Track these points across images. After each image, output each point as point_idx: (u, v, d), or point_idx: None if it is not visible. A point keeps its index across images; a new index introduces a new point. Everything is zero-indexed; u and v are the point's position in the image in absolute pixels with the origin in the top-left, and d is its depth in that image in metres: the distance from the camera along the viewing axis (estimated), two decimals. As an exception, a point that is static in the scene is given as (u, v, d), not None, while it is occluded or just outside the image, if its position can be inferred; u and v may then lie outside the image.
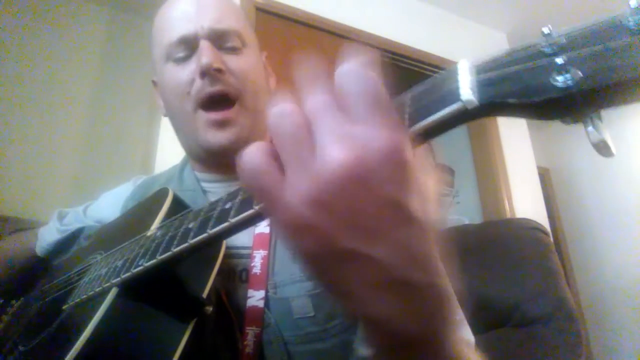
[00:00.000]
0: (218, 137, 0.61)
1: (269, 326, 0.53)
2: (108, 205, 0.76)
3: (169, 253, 0.36)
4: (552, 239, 1.24)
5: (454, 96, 0.24)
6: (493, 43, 2.89)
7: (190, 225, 0.36)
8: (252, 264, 0.56)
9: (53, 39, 2.45)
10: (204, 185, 0.69)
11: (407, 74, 2.55)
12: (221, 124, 0.61)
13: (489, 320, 1.06)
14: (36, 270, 0.77)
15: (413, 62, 2.47)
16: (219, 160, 0.66)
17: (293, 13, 2.15)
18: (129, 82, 2.57)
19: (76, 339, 0.38)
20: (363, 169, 0.23)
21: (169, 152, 1.59)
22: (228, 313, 0.53)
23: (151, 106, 2.34)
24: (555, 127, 3.91)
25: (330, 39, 2.19)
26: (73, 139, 2.38)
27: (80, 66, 2.51)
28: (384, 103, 0.25)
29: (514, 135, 2.64)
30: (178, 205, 0.55)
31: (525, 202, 2.53)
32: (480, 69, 0.25)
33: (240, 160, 0.27)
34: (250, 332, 0.52)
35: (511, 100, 0.23)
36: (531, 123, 2.79)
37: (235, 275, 0.58)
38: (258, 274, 0.56)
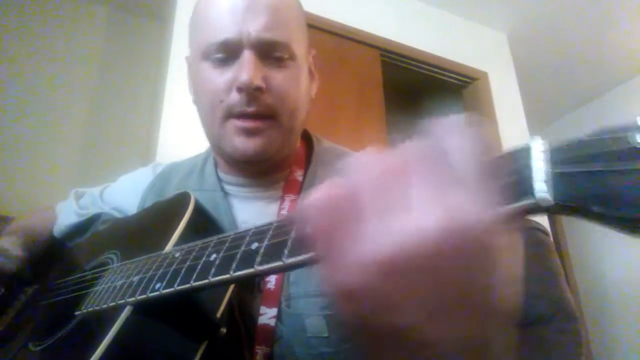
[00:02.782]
0: (246, 144, 0.58)
1: (281, 339, 0.52)
2: (126, 192, 0.74)
3: (187, 285, 0.36)
4: (552, 239, 1.24)
5: (526, 188, 0.21)
6: (493, 43, 2.89)
7: (212, 258, 0.35)
8: (267, 279, 0.54)
9: (53, 37, 2.46)
10: (226, 187, 0.66)
11: (407, 74, 2.55)
12: (250, 132, 0.58)
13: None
14: (52, 253, 0.77)
15: (413, 62, 2.47)
16: (242, 166, 0.64)
17: (293, 13, 2.15)
18: (129, 81, 2.58)
19: (88, 356, 0.38)
20: (463, 242, 0.20)
21: (169, 153, 1.59)
22: (239, 331, 0.52)
23: (152, 105, 2.34)
24: (556, 127, 3.91)
25: (330, 39, 2.18)
26: (73, 139, 2.39)
27: (81, 65, 2.51)
28: (494, 171, 0.22)
29: (514, 135, 2.64)
30: (199, 216, 0.53)
31: (526, 202, 2.53)
32: (558, 158, 0.21)
33: (311, 196, 0.23)
34: (260, 351, 0.51)
35: (595, 209, 0.19)
36: (531, 122, 2.79)
37: (253, 283, 0.56)
38: (272, 289, 0.54)
